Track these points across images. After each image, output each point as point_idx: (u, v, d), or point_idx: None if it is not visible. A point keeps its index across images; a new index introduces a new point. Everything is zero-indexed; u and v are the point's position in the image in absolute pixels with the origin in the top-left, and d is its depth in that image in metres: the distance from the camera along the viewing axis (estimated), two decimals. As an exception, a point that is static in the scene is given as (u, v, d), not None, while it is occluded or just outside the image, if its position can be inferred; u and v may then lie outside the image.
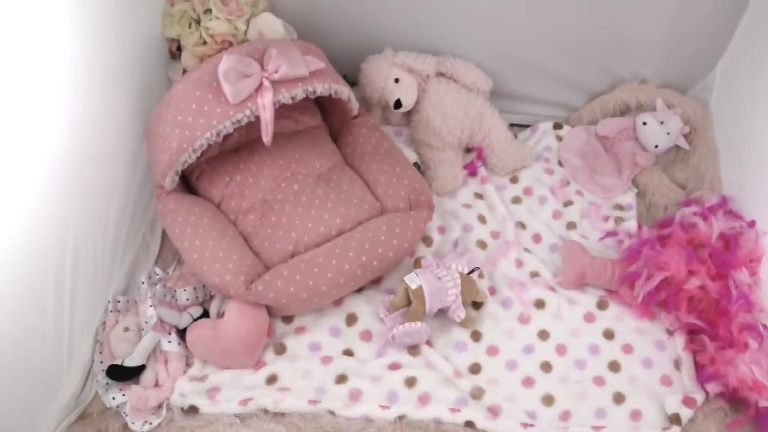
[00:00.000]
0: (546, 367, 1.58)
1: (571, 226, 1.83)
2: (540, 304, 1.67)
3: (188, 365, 1.55)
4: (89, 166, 1.51)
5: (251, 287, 1.53)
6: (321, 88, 1.59)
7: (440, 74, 1.92)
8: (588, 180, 1.92)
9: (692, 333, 1.59)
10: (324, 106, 1.88)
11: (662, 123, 1.90)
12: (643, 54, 1.94)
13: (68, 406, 1.47)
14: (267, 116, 1.53)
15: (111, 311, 1.59)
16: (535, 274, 1.72)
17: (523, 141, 2.00)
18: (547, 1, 1.79)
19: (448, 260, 1.66)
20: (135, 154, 1.71)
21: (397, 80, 1.87)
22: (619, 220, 1.84)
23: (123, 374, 1.50)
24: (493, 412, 1.50)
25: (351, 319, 1.62)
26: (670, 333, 1.61)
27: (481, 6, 1.81)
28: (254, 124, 1.56)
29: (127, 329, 1.55)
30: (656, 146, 1.90)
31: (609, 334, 1.62)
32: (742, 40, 1.84)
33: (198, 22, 1.76)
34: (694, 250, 1.61)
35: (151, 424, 1.46)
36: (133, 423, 1.46)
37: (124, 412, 1.48)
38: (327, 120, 1.88)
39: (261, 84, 1.52)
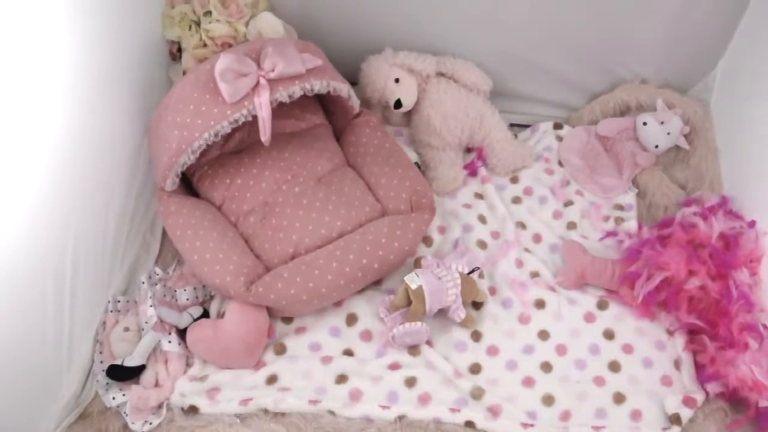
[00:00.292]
0: (546, 367, 1.58)
1: (572, 226, 1.82)
2: (540, 304, 1.67)
3: (188, 365, 1.55)
4: (89, 166, 1.51)
5: (251, 288, 1.53)
6: (319, 86, 1.59)
7: (440, 74, 1.92)
8: (588, 180, 1.92)
9: (692, 333, 1.59)
10: (326, 105, 1.88)
11: (662, 123, 1.89)
12: (643, 54, 1.93)
13: (68, 406, 1.46)
14: (264, 115, 1.52)
15: (111, 311, 1.59)
16: (535, 274, 1.72)
17: (523, 141, 2.00)
18: (547, 1, 1.79)
19: (448, 260, 1.66)
20: (135, 154, 1.71)
21: (397, 80, 1.87)
22: (619, 220, 1.83)
23: (123, 374, 1.50)
24: (494, 412, 1.50)
25: (351, 319, 1.62)
26: (670, 333, 1.61)
27: (481, 6, 1.81)
28: (255, 125, 1.56)
29: (127, 329, 1.55)
30: (656, 146, 1.90)
31: (609, 334, 1.62)
32: (743, 40, 1.84)
33: (198, 24, 1.75)
34: (695, 250, 1.61)
35: (151, 424, 1.46)
36: (133, 423, 1.46)
37: (124, 412, 1.48)
38: (330, 119, 1.88)
39: (258, 83, 1.52)
